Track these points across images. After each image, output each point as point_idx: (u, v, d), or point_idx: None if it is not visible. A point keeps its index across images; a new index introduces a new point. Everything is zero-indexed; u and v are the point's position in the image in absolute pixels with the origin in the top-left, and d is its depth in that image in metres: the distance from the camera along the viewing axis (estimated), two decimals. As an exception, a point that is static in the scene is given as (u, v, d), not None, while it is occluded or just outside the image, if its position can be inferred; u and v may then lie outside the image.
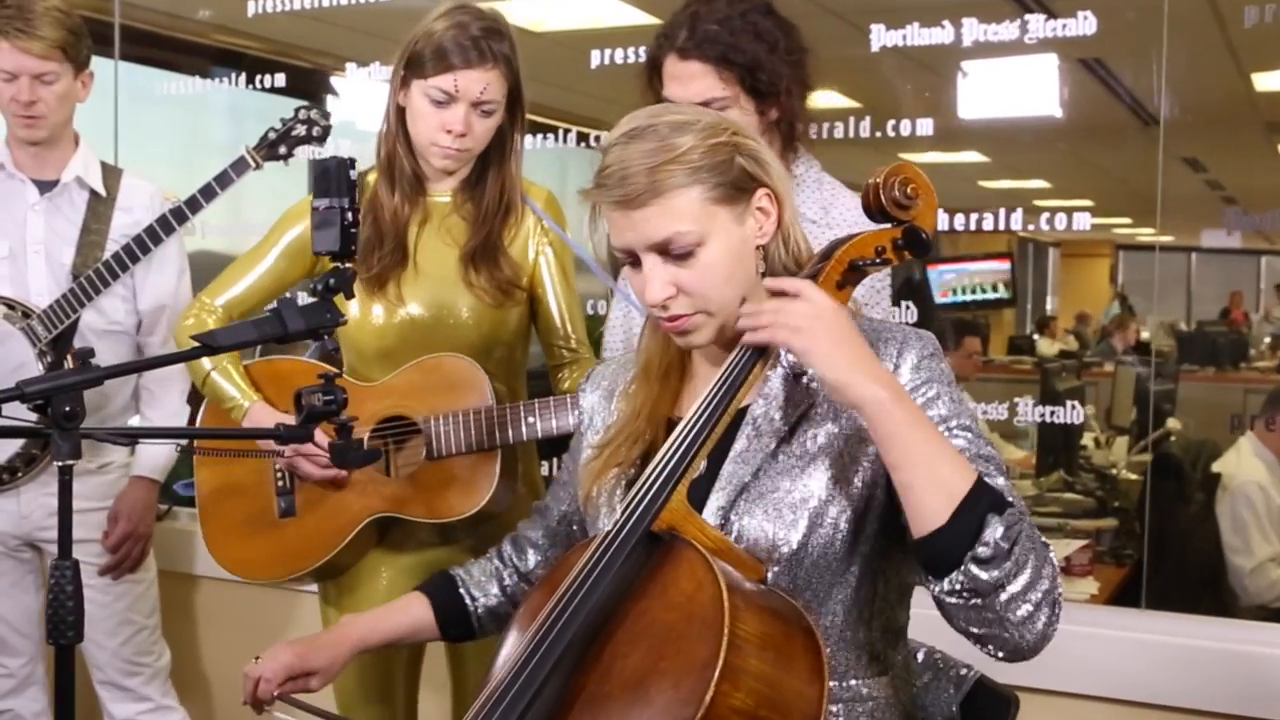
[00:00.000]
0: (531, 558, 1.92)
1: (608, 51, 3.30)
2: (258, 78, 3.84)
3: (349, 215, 1.92)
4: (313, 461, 2.34)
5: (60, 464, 1.74)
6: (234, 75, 3.87)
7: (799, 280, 1.54)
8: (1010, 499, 1.49)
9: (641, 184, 1.56)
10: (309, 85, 3.87)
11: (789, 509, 1.57)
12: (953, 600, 1.46)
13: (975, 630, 1.48)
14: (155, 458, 3.02)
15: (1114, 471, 4.27)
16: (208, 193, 2.81)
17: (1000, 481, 1.52)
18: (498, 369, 2.41)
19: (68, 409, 1.72)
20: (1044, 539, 1.50)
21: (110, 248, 2.91)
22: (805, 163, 2.39)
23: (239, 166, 2.79)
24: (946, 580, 1.45)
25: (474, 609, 1.91)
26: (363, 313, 2.41)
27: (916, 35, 2.94)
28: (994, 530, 1.42)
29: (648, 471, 1.56)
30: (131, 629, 3.04)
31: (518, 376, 2.51)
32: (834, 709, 1.58)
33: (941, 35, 2.91)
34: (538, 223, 2.46)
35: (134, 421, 3.07)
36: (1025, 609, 1.44)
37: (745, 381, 1.57)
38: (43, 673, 3.09)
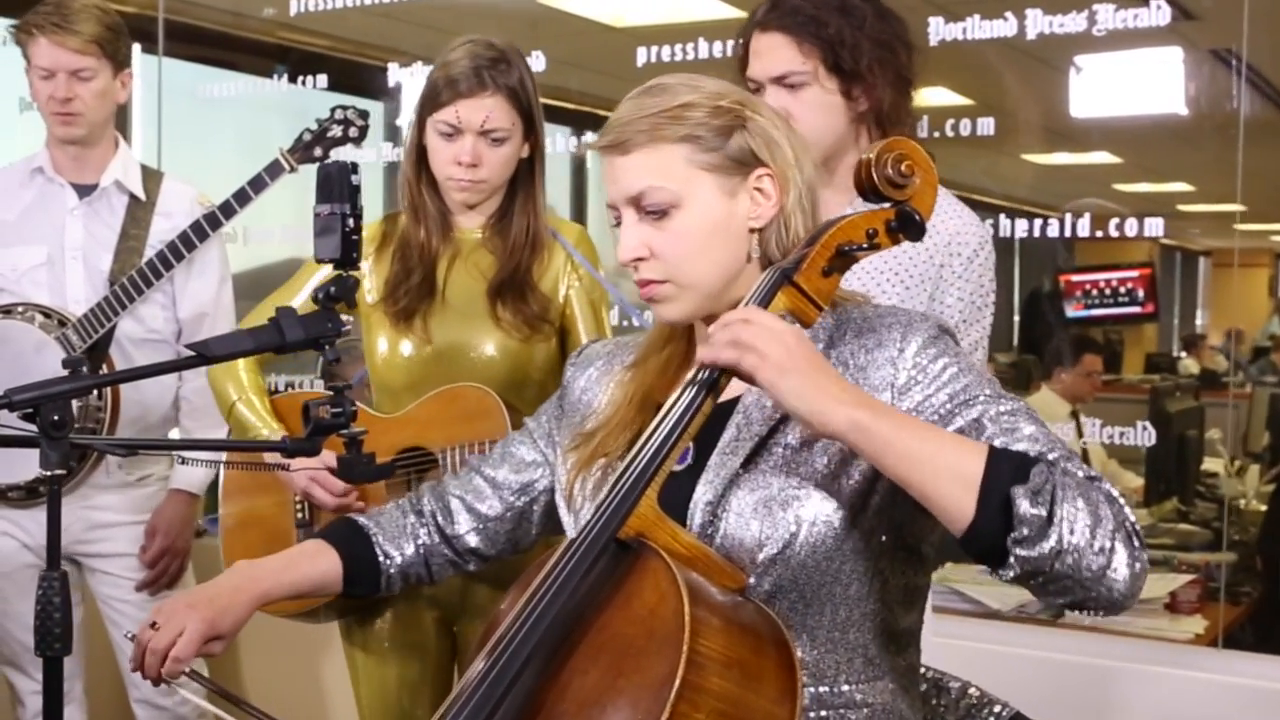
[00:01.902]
0: (463, 523, 1.94)
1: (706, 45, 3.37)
2: (307, 77, 3.98)
3: (350, 222, 2.01)
4: (326, 488, 2.47)
5: (49, 473, 1.82)
6: (281, 73, 4.01)
7: (745, 310, 1.56)
8: (1040, 447, 1.51)
9: (629, 132, 1.64)
10: (364, 82, 3.99)
11: (779, 506, 1.59)
12: (1023, 584, 1.48)
13: (1061, 600, 1.48)
14: (194, 471, 3.15)
15: (1241, 502, 4.17)
16: (242, 197, 2.94)
17: (1027, 431, 1.53)
18: (529, 406, 2.51)
19: (56, 418, 1.82)
20: (1091, 472, 1.50)
21: (148, 254, 3.06)
22: None
23: (273, 170, 2.91)
24: (1005, 570, 1.46)
25: (386, 566, 1.92)
26: (390, 349, 2.55)
27: (978, 28, 2.95)
28: (1022, 504, 1.43)
29: (615, 476, 1.59)
30: (167, 646, 3.17)
31: None
32: (824, 714, 1.61)
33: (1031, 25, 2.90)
34: (568, 259, 2.58)
35: (174, 434, 3.21)
36: (1098, 561, 1.43)
37: (718, 382, 1.59)
38: (81, 691, 3.25)
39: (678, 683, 1.36)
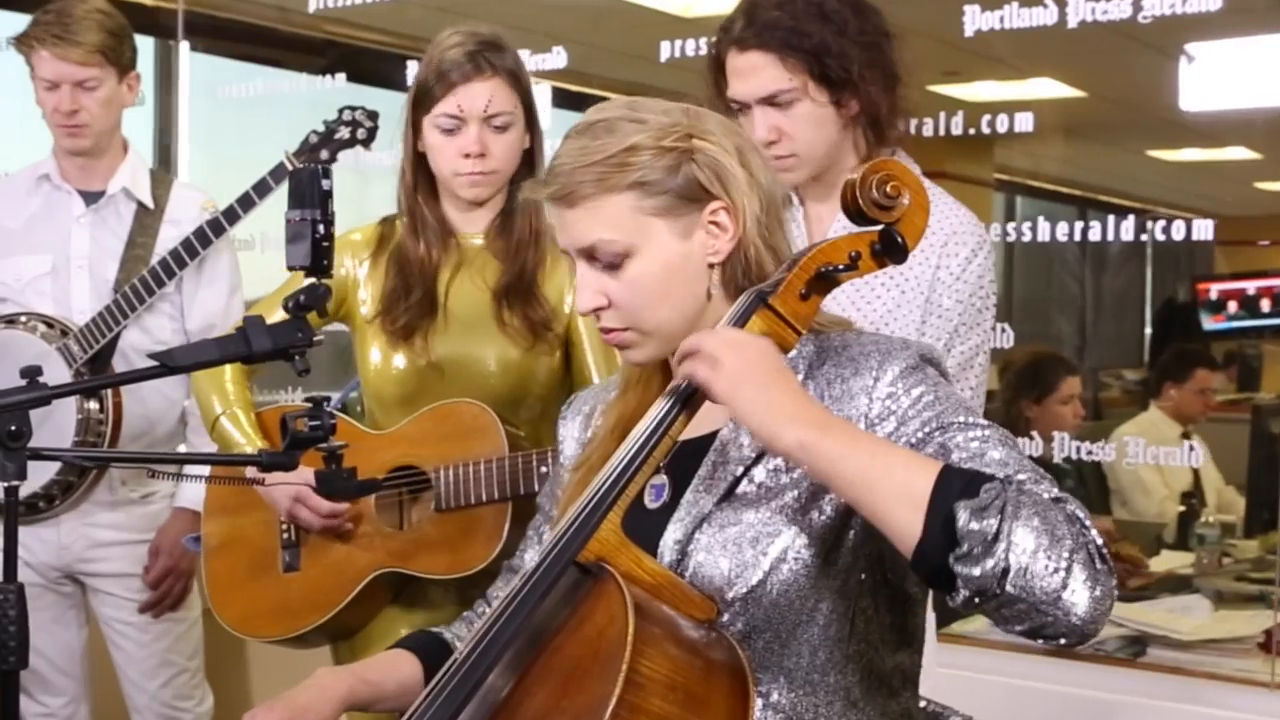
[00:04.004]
0: None
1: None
2: (347, 72, 4.09)
3: (321, 228, 2.08)
4: (310, 508, 2.53)
5: (5, 485, 1.91)
6: (317, 68, 4.12)
7: (715, 328, 1.61)
8: (1008, 471, 1.52)
9: (573, 183, 1.67)
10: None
11: (749, 544, 1.64)
12: (976, 609, 1.49)
13: (1019, 628, 1.48)
14: (200, 489, 3.23)
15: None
16: (246, 203, 3.03)
17: (995, 455, 1.55)
18: (527, 423, 2.58)
19: (12, 428, 1.92)
20: (1057, 494, 1.50)
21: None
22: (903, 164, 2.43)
23: (278, 174, 3.00)
24: (954, 594, 1.48)
25: None
26: (384, 360, 2.61)
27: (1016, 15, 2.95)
28: (962, 517, 1.44)
29: (579, 501, 1.65)
30: (171, 671, 3.29)
31: (551, 430, 2.65)
32: None
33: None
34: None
35: (182, 449, 3.31)
36: (1052, 582, 1.42)
37: (685, 409, 1.64)
38: (87, 713, 3.36)
39: (614, 701, 1.42)
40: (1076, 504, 1.50)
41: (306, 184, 2.10)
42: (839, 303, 2.32)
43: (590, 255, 1.70)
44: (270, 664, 3.78)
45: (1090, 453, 3.11)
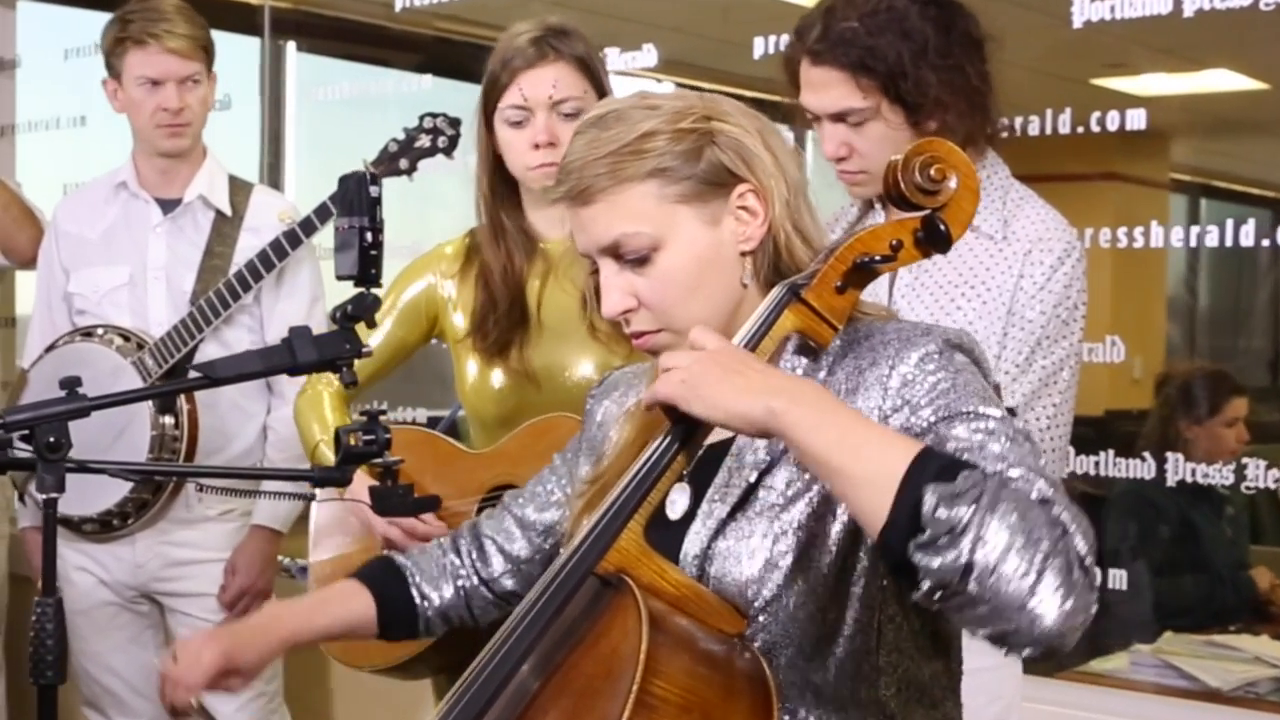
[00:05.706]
0: (497, 565, 2.01)
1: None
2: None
3: (369, 236, 2.12)
4: (409, 536, 2.56)
5: (44, 497, 1.98)
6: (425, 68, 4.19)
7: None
8: (1003, 466, 1.47)
9: (587, 178, 1.67)
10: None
11: (763, 554, 1.63)
12: (937, 605, 1.42)
13: (983, 631, 1.42)
14: (277, 506, 3.30)
15: None
16: (323, 213, 3.10)
17: (994, 449, 1.49)
18: None
19: (51, 439, 1.99)
20: (1049, 494, 1.43)
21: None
22: (990, 166, 2.41)
23: (355, 183, 3.04)
24: (917, 589, 1.41)
25: (423, 608, 2.00)
26: (481, 379, 2.64)
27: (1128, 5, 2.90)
28: (930, 504, 1.38)
29: (599, 510, 1.65)
30: (248, 694, 3.34)
31: None
32: None
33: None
34: None
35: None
36: (1020, 586, 1.36)
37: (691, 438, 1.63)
38: (166, 738, 3.44)
39: None
40: (1066, 506, 1.42)
41: (354, 191, 2.14)
42: (918, 314, 2.30)
43: (614, 253, 1.69)
44: (350, 687, 3.83)
45: (1206, 475, 3.01)
